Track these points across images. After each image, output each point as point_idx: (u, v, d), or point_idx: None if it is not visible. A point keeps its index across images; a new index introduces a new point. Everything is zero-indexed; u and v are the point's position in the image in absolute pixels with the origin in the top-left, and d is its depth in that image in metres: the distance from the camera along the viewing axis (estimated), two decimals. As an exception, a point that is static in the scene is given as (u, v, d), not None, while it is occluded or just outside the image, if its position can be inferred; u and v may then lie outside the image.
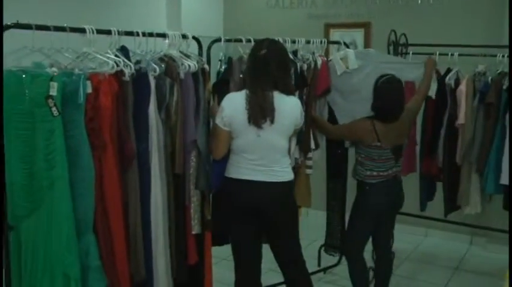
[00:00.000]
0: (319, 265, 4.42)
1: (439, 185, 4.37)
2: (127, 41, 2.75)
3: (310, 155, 3.70)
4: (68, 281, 2.40)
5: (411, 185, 3.98)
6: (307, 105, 3.50)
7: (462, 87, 3.90)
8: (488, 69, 3.92)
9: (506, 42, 3.71)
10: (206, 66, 3.01)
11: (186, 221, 2.96)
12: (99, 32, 2.60)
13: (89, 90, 2.42)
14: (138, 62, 2.73)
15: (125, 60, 2.60)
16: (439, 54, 4.06)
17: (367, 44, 5.40)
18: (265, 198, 2.94)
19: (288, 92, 2.95)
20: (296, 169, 3.40)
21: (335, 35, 5.53)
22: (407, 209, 3.69)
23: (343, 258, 4.34)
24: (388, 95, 3.30)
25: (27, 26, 2.37)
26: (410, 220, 4.64)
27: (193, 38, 3.05)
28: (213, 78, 3.22)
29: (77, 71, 2.44)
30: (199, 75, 2.92)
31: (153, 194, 2.74)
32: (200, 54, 3.12)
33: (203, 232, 3.05)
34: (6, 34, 2.30)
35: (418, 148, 4.31)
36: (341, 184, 4.25)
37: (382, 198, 3.43)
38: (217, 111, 2.95)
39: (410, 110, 3.50)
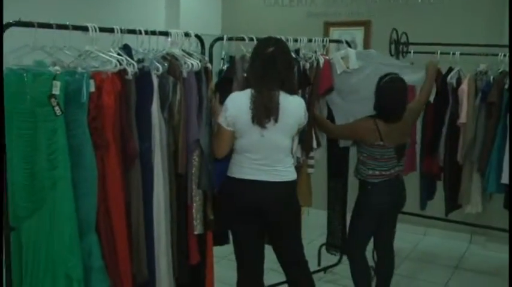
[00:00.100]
0: (319, 264, 4.41)
1: (439, 184, 4.36)
2: (129, 40, 2.72)
3: (312, 154, 3.68)
4: (70, 282, 2.37)
5: (411, 184, 3.96)
6: (309, 104, 3.47)
7: (464, 86, 3.89)
8: (490, 69, 3.92)
9: (507, 41, 3.70)
10: (209, 65, 2.98)
11: (188, 221, 2.93)
12: (102, 30, 2.57)
13: (92, 89, 2.39)
14: (140, 61, 2.70)
15: (128, 59, 2.57)
16: (441, 53, 4.07)
17: (366, 43, 5.39)
18: (268, 198, 2.92)
19: (292, 91, 2.94)
20: (298, 168, 3.37)
21: (334, 33, 5.53)
22: (407, 208, 3.68)
23: (344, 257, 4.33)
24: (391, 95, 3.29)
25: (29, 24, 2.34)
26: (409, 218, 4.64)
27: (196, 36, 3.03)
28: (214, 77, 3.20)
29: (79, 69, 2.41)
30: (202, 74, 2.89)
31: (155, 193, 2.71)
32: (202, 52, 3.10)
33: (205, 232, 3.02)
34: (7, 32, 2.28)
35: (418, 147, 4.30)
36: (342, 183, 4.24)
37: (384, 197, 3.42)
38: (219, 111, 2.93)
39: (413, 110, 3.49)
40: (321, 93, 3.65)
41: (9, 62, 2.35)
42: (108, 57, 2.52)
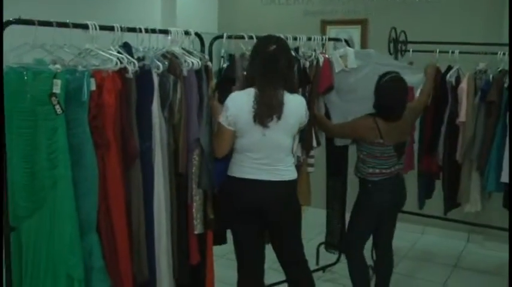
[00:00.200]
0: (317, 263, 4.39)
1: (438, 183, 4.36)
2: (127, 38, 2.69)
3: (312, 153, 3.67)
4: (71, 282, 2.35)
5: (409, 182, 3.93)
6: (309, 103, 3.45)
7: (463, 85, 3.88)
8: (489, 67, 3.91)
9: (506, 40, 3.70)
10: (209, 63, 2.96)
11: (188, 221, 2.91)
12: (102, 28, 2.54)
13: (93, 87, 2.36)
14: (140, 59, 2.68)
15: (129, 57, 2.55)
16: (439, 51, 4.06)
17: (363, 42, 5.38)
18: (269, 197, 2.90)
19: (292, 89, 2.92)
20: (298, 167, 3.36)
21: (331, 32, 5.51)
22: (405, 206, 3.67)
23: (342, 256, 4.32)
24: (392, 94, 3.28)
25: (29, 22, 2.32)
26: (407, 217, 4.63)
27: (196, 34, 3.00)
28: (213, 76, 3.17)
29: (80, 68, 2.38)
30: (203, 73, 2.87)
31: (156, 193, 2.69)
32: (202, 51, 3.08)
33: (205, 232, 3.01)
34: (7, 30, 2.25)
35: (416, 145, 4.29)
36: (341, 182, 4.23)
37: (385, 196, 3.41)
38: (219, 110, 2.91)
39: (413, 109, 3.49)
40: (321, 92, 3.64)
41: (9, 60, 2.33)
42: (108, 56, 2.50)
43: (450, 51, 4.01)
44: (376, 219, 3.48)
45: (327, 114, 3.79)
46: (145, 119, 2.62)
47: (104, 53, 2.52)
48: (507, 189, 3.72)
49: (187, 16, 5.46)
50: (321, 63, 3.60)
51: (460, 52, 4.00)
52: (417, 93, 3.87)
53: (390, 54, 4.27)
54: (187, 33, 2.93)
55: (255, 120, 2.78)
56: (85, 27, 2.49)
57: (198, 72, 2.84)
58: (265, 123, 2.78)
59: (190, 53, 2.90)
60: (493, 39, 4.19)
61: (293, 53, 3.29)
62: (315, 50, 3.65)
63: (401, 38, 4.35)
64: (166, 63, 2.71)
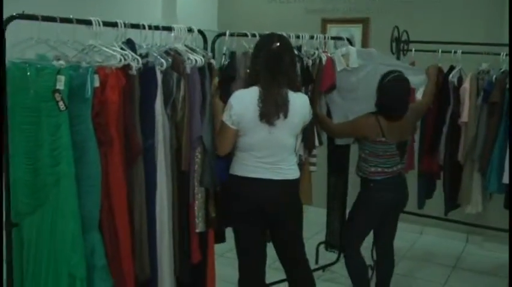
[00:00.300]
0: (316, 262, 4.38)
1: (438, 183, 4.35)
2: (129, 34, 2.67)
3: (314, 152, 3.65)
4: (73, 280, 2.32)
5: (409, 182, 3.92)
6: (311, 101, 3.43)
7: (466, 85, 3.87)
8: (492, 68, 3.90)
9: (507, 40, 3.69)
10: (213, 61, 2.94)
11: (189, 219, 2.89)
12: (105, 24, 2.52)
13: (97, 84, 2.34)
14: (144, 56, 2.65)
15: (133, 54, 2.52)
16: (442, 51, 4.04)
17: (365, 41, 5.37)
18: (271, 196, 2.89)
19: (295, 88, 2.91)
20: (300, 166, 3.34)
21: (332, 30, 5.49)
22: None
23: (342, 256, 4.31)
24: (395, 93, 3.27)
25: (33, 17, 2.29)
26: (406, 217, 4.62)
27: (199, 31, 2.98)
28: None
29: (84, 64, 2.36)
30: (206, 70, 2.85)
31: (158, 191, 2.67)
32: (205, 48, 3.05)
33: (206, 230, 2.98)
34: (11, 25, 2.23)
35: (416, 145, 4.28)
36: (342, 181, 4.21)
37: (386, 195, 3.40)
38: (220, 107, 2.89)
39: (415, 109, 3.49)
40: (323, 91, 3.62)
41: (12, 55, 2.30)
42: (112, 52, 2.48)
43: (453, 51, 4.00)
44: (377, 219, 3.47)
45: (328, 114, 3.78)
46: (148, 116, 2.59)
47: (107, 50, 2.49)
48: (508, 190, 3.71)
49: (188, 14, 5.43)
50: (323, 62, 3.58)
51: (462, 52, 3.98)
52: (418, 94, 3.86)
53: (392, 53, 4.25)
54: (190, 30, 2.91)
55: (261, 119, 2.76)
56: (88, 23, 2.47)
57: (201, 69, 2.82)
58: (272, 121, 2.77)
59: (193, 50, 2.87)
60: (495, 40, 4.18)
61: (296, 52, 3.27)
62: (317, 49, 3.63)
63: (403, 37, 4.33)
64: (169, 60, 2.69)
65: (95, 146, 2.36)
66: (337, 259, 4.40)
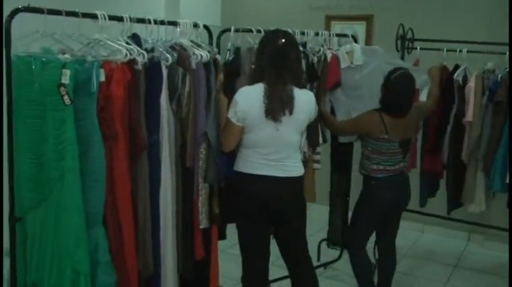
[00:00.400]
0: (318, 259, 4.37)
1: (441, 182, 4.33)
2: (135, 29, 2.65)
3: (318, 149, 3.64)
4: (77, 276, 2.31)
5: (411, 180, 3.93)
6: (316, 99, 3.42)
7: (471, 84, 3.85)
8: (497, 67, 3.88)
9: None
10: (218, 56, 2.92)
11: (193, 215, 2.88)
12: (111, 18, 2.50)
13: (102, 78, 2.32)
14: (149, 51, 2.63)
15: (138, 48, 2.51)
16: (447, 50, 4.03)
17: (368, 38, 5.35)
18: (276, 193, 2.88)
19: (301, 84, 2.89)
20: (304, 163, 3.32)
21: (336, 27, 5.47)
22: (405, 204, 3.67)
23: (344, 253, 4.31)
24: (401, 90, 3.26)
25: (38, 10, 2.27)
26: (407, 215, 4.61)
27: (204, 27, 2.97)
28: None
29: (89, 58, 2.34)
30: (211, 66, 2.83)
31: (162, 187, 2.66)
32: (210, 43, 3.04)
33: (210, 226, 2.97)
34: (16, 19, 2.21)
35: (418, 144, 4.27)
36: (345, 179, 4.20)
37: (388, 193, 3.39)
38: (225, 103, 2.87)
39: (419, 109, 3.49)
40: (328, 88, 3.60)
41: (17, 48, 2.28)
42: (117, 47, 2.46)
43: (458, 49, 3.98)
44: (380, 217, 3.46)
45: (332, 111, 3.77)
46: (153, 111, 2.58)
47: (113, 44, 2.47)
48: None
49: (191, 9, 5.40)
50: (328, 59, 3.56)
51: (467, 51, 3.96)
52: (421, 97, 3.85)
53: (397, 51, 4.23)
54: (195, 25, 2.89)
55: (267, 116, 2.75)
56: (94, 17, 2.45)
57: (206, 65, 2.80)
58: (278, 118, 2.75)
59: (198, 45, 2.86)
60: (501, 39, 4.15)
61: (301, 48, 3.26)
62: (322, 46, 3.61)
63: (408, 35, 4.31)
64: (175, 55, 2.68)
65: (100, 141, 2.35)
66: (339, 257, 4.40)
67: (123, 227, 2.49)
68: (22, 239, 2.39)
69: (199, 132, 2.77)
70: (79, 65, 2.28)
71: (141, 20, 2.65)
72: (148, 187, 2.60)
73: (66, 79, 2.21)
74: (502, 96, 3.70)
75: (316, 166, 3.71)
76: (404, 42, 4.25)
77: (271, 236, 3.09)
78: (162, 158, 2.63)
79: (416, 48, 4.25)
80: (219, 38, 3.17)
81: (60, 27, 2.39)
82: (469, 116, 3.86)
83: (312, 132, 3.39)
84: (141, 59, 2.50)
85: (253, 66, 3.01)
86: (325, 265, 4.35)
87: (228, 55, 3.21)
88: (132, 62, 2.47)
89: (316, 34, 3.61)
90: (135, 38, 2.60)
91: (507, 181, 3.69)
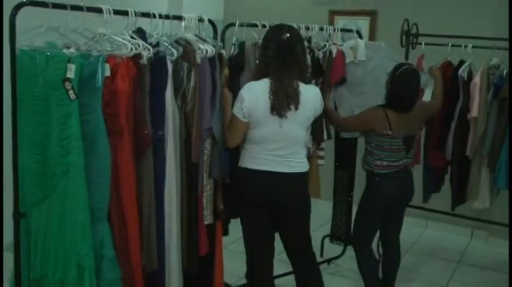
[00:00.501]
0: (321, 255, 4.36)
1: (445, 178, 4.32)
2: (139, 23, 2.63)
3: (322, 145, 3.62)
4: (82, 271, 2.30)
5: (414, 176, 3.94)
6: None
7: (476, 79, 3.83)
8: (502, 62, 3.85)
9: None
10: (223, 51, 2.90)
11: (198, 211, 2.87)
12: (116, 12, 2.48)
13: (108, 73, 2.30)
14: (154, 45, 2.61)
15: (143, 43, 2.49)
16: (452, 45, 4.00)
17: (372, 33, 5.32)
18: (281, 189, 2.87)
19: (306, 79, 2.88)
20: (308, 158, 3.31)
21: (339, 22, 5.44)
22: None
23: (347, 249, 4.30)
24: (408, 83, 3.24)
25: (43, 4, 2.26)
26: (411, 211, 4.59)
27: (209, 21, 2.95)
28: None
29: (94, 52, 2.32)
30: (216, 60, 2.81)
31: (167, 182, 2.65)
32: (214, 38, 3.02)
33: (214, 222, 2.96)
34: (20, 13, 2.19)
35: (421, 139, 4.25)
36: (349, 175, 4.19)
37: (392, 189, 3.37)
38: (229, 98, 2.86)
39: (424, 106, 3.49)
40: (334, 84, 3.58)
41: (21, 43, 2.27)
42: (122, 41, 2.44)
43: (463, 45, 3.96)
44: (384, 213, 3.45)
45: (334, 108, 3.75)
46: (158, 106, 2.57)
47: (118, 38, 2.45)
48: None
49: (193, 4, 5.38)
50: (333, 55, 3.54)
51: (473, 46, 3.94)
52: (425, 95, 3.83)
53: (402, 46, 4.20)
54: (200, 20, 2.87)
55: (272, 112, 2.73)
56: (99, 11, 2.43)
57: (211, 60, 2.78)
58: (283, 113, 2.73)
59: (203, 40, 2.84)
60: (506, 34, 4.12)
61: (306, 43, 3.24)
62: (327, 41, 3.59)
63: (413, 30, 4.29)
64: (180, 49, 2.66)
65: (105, 136, 2.34)
66: (343, 252, 4.39)
67: (127, 222, 2.48)
68: (26, 236, 2.38)
69: (205, 127, 2.75)
70: (84, 59, 2.27)
71: (146, 14, 2.63)
72: (153, 183, 2.59)
73: (71, 74, 2.20)
74: (507, 92, 3.68)
75: (320, 161, 3.70)
76: (409, 38, 4.22)
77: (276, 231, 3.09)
78: (167, 154, 2.62)
79: (421, 44, 4.22)
80: (223, 32, 3.15)
81: (64, 22, 2.37)
82: (474, 112, 3.84)
83: (317, 128, 3.38)
84: (146, 53, 2.48)
85: (257, 61, 2.99)
86: (328, 261, 4.33)
87: (232, 50, 3.19)
88: (137, 56, 2.45)
89: (321, 29, 3.59)
90: (140, 33, 2.58)
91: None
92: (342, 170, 4.22)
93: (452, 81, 3.97)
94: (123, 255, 2.47)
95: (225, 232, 3.25)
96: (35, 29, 2.33)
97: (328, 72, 3.53)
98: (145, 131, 2.50)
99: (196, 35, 2.84)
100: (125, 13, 2.54)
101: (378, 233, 3.66)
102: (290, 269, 3.22)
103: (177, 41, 2.74)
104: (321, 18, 5.35)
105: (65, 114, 2.23)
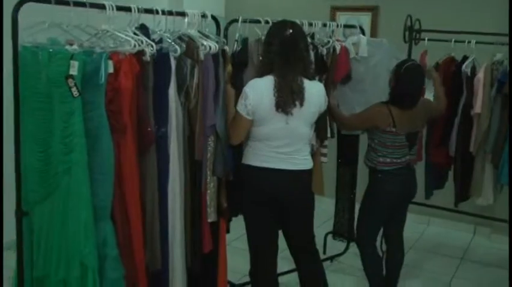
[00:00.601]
0: (324, 252, 4.34)
1: (449, 174, 4.30)
2: (142, 20, 2.60)
3: (325, 143, 3.60)
4: (85, 270, 2.28)
5: (416, 172, 3.92)
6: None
7: (480, 75, 3.80)
8: (506, 58, 3.82)
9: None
10: (226, 47, 2.88)
11: (201, 209, 2.85)
12: (119, 8, 2.46)
13: (111, 70, 2.28)
14: (157, 42, 2.59)
15: (146, 39, 2.47)
16: (455, 41, 3.98)
17: (374, 29, 5.29)
18: (285, 186, 2.85)
19: (310, 76, 2.86)
20: (312, 155, 3.29)
21: (341, 18, 5.41)
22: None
23: (350, 246, 4.29)
24: (413, 79, 3.22)
25: (45, 0, 2.24)
26: (413, 207, 4.58)
27: (212, 17, 2.92)
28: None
29: (97, 49, 2.30)
30: (220, 57, 2.79)
31: (170, 180, 2.63)
32: (217, 34, 3.00)
33: (218, 220, 2.95)
34: (23, 9, 2.17)
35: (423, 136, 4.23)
36: (351, 172, 4.17)
37: (395, 186, 3.36)
38: (232, 94, 2.84)
39: (428, 105, 3.47)
40: (338, 80, 3.56)
41: (23, 39, 2.24)
42: (126, 37, 2.41)
43: (466, 41, 3.94)
44: (387, 210, 3.43)
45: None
46: (162, 103, 2.55)
47: (121, 35, 2.43)
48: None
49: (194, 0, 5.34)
50: (337, 51, 3.51)
51: (476, 42, 3.92)
52: (426, 95, 3.81)
53: (405, 42, 4.17)
54: (203, 16, 2.85)
55: (277, 109, 2.71)
56: (102, 7, 2.41)
57: (215, 56, 2.76)
58: (288, 110, 2.71)
59: (206, 36, 2.81)
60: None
61: (309, 40, 3.21)
62: (330, 37, 3.57)
63: (416, 26, 4.26)
64: (183, 46, 2.63)
65: (108, 134, 2.31)
66: (345, 250, 4.38)
67: (131, 220, 2.46)
68: (28, 235, 2.36)
69: (208, 124, 2.73)
70: (87, 56, 2.25)
71: (148, 11, 2.61)
72: (157, 180, 2.57)
73: (74, 70, 2.18)
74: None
75: (323, 159, 3.68)
76: (412, 34, 4.20)
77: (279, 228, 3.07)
78: (170, 151, 2.60)
79: (424, 40, 4.19)
80: (226, 29, 3.13)
81: (67, 18, 2.35)
82: (478, 108, 3.81)
83: (321, 125, 3.36)
84: (150, 50, 2.46)
85: (260, 57, 2.97)
86: (331, 258, 4.32)
87: (235, 46, 3.17)
88: (141, 53, 2.43)
89: (324, 25, 3.56)
90: (143, 29, 2.56)
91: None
92: (344, 168, 4.20)
93: (455, 77, 3.94)
94: (126, 253, 2.45)
95: (227, 230, 3.23)
96: (37, 25, 2.30)
97: (332, 69, 3.50)
98: (149, 128, 2.47)
99: (199, 32, 2.82)
100: (127, 9, 2.52)
101: (381, 231, 3.66)
102: (293, 266, 3.21)
103: (180, 38, 2.71)
104: (322, 14, 5.33)
105: (68, 111, 2.21)
